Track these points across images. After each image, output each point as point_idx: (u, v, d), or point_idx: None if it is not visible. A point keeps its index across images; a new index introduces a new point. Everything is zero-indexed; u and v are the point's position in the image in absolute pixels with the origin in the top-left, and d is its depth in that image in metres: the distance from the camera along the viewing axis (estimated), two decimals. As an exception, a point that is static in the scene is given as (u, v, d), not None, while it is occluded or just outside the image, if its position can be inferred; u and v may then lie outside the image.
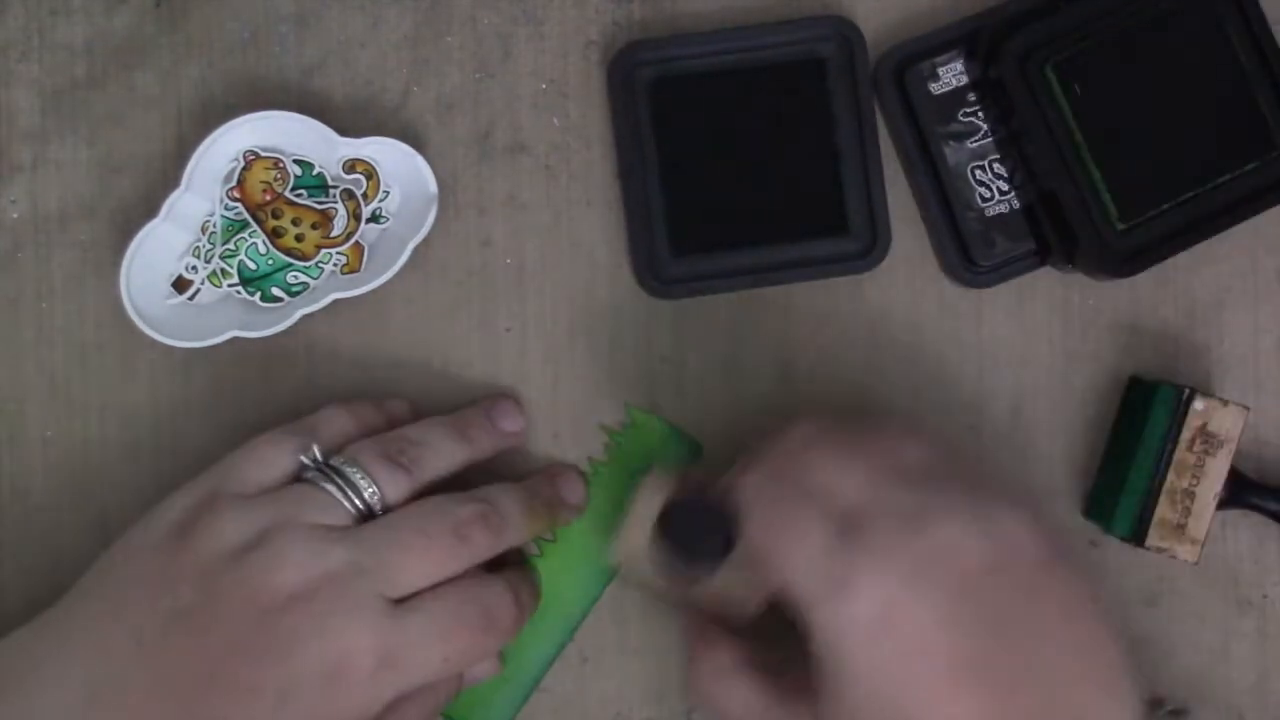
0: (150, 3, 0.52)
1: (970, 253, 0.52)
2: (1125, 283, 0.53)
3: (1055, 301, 0.53)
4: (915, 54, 0.52)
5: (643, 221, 0.52)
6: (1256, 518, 0.52)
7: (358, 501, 0.45)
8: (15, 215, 0.52)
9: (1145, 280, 0.53)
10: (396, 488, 0.46)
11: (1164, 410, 0.50)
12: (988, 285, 0.52)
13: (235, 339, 0.50)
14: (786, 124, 0.52)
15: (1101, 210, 0.50)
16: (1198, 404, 0.50)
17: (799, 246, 0.52)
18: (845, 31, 0.51)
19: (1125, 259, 0.50)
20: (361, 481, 0.46)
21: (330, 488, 0.45)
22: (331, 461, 0.46)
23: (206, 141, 0.50)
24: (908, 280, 0.53)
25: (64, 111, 0.52)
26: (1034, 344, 0.53)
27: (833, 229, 0.52)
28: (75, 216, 0.52)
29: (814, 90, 0.52)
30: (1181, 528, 0.50)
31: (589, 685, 0.53)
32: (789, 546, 0.42)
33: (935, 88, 0.52)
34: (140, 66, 0.52)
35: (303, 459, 0.46)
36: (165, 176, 0.52)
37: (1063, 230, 0.50)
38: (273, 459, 0.46)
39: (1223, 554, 0.53)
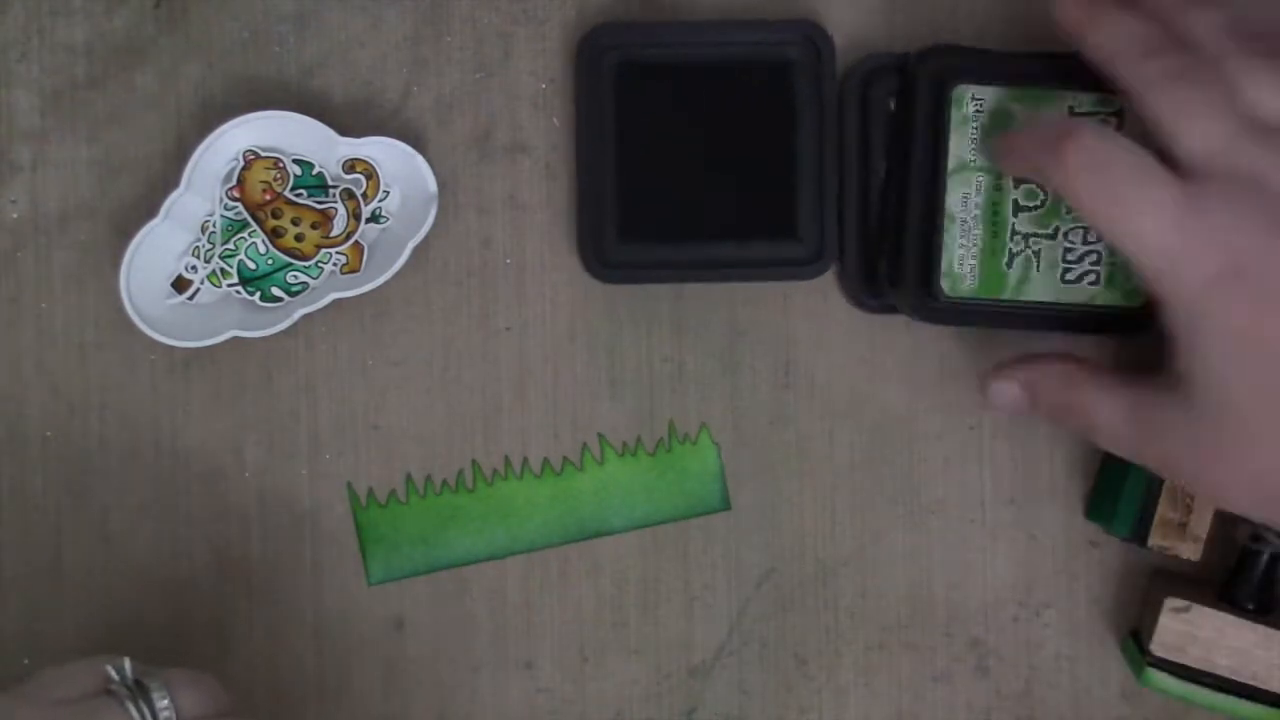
0: (150, 3, 0.52)
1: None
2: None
3: (1055, 301, 0.53)
4: (882, 69, 0.51)
5: (594, 203, 0.51)
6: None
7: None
8: (15, 215, 0.52)
9: (1145, 279, 0.52)
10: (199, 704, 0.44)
11: (1164, 409, 0.50)
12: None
13: (235, 339, 0.50)
14: (748, 122, 0.51)
15: None
16: (1198, 403, 0.50)
17: (746, 246, 0.51)
18: (815, 37, 0.51)
19: None
20: (161, 702, 0.43)
21: (130, 706, 0.43)
22: (140, 679, 0.44)
23: (206, 141, 0.50)
24: (908, 280, 0.53)
25: (64, 111, 0.52)
26: (1033, 344, 0.53)
27: (781, 232, 0.52)
28: (75, 216, 0.52)
29: (778, 92, 0.51)
30: (1183, 526, 0.50)
31: (589, 685, 0.53)
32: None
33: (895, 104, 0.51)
34: (140, 66, 0.52)
35: (109, 670, 0.44)
36: (165, 176, 0.51)
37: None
38: (78, 673, 0.44)
39: (1223, 553, 0.53)
